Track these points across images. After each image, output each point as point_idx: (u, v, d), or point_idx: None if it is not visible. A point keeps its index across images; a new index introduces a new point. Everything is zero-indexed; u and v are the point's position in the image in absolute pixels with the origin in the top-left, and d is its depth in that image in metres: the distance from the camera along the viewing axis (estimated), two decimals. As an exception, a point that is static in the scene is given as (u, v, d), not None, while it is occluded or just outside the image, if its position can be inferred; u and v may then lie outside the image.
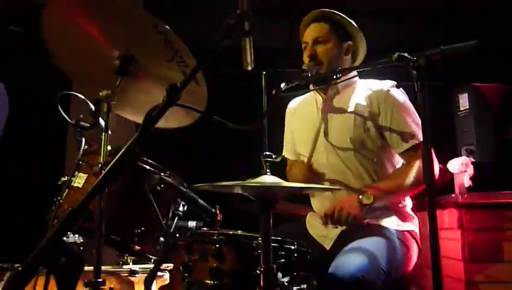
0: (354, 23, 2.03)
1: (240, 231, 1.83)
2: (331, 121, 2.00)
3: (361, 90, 2.02)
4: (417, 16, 4.38)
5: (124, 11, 1.43)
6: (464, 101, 2.88)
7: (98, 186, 0.82)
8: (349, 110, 1.97)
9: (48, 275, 1.37)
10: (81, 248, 1.85)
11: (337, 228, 1.83)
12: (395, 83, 1.97)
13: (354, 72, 2.06)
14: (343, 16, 2.02)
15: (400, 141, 1.90)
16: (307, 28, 2.05)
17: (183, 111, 1.47)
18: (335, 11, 2.01)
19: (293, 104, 2.26)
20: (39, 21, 1.47)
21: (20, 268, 0.75)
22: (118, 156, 0.83)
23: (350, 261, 1.61)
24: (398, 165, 2.02)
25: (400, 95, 1.96)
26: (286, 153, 2.26)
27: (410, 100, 1.95)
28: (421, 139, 1.82)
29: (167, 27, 1.29)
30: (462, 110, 2.88)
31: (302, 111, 2.20)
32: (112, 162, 0.82)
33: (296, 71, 1.87)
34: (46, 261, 0.70)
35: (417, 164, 1.85)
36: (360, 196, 1.78)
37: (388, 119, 1.92)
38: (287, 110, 2.27)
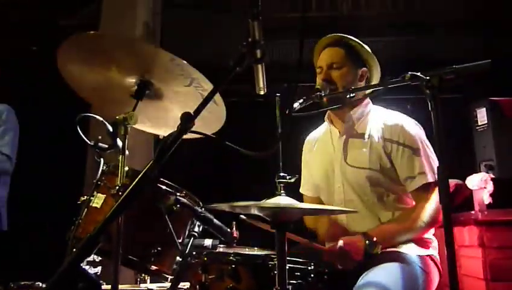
0: (368, 49, 2.02)
1: (256, 248, 1.83)
2: (348, 157, 1.97)
3: (376, 124, 1.98)
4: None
5: (139, 47, 1.48)
6: (482, 115, 2.85)
7: (116, 211, 0.84)
8: (364, 145, 1.94)
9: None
10: (100, 268, 1.87)
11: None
12: (413, 120, 1.96)
13: (368, 100, 2.05)
14: (359, 41, 2.01)
15: (409, 179, 1.86)
16: (321, 52, 2.05)
17: (205, 122, 1.47)
18: (351, 37, 2.01)
19: (309, 139, 2.24)
20: (55, 53, 1.53)
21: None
22: (135, 182, 0.85)
23: None
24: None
25: (415, 130, 1.92)
26: (303, 189, 2.22)
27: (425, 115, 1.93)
28: (432, 180, 1.81)
29: (183, 61, 1.33)
30: (481, 125, 2.85)
31: (318, 146, 2.17)
32: (129, 189, 0.85)
33: (309, 89, 1.88)
34: (64, 288, 0.72)
35: (425, 206, 1.81)
36: (367, 242, 1.73)
37: (399, 156, 1.88)
38: (304, 146, 2.25)
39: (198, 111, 0.94)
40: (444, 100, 1.41)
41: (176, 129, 0.92)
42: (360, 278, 1.68)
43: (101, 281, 2.06)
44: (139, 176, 0.86)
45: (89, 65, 1.60)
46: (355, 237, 1.80)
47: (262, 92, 1.14)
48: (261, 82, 1.10)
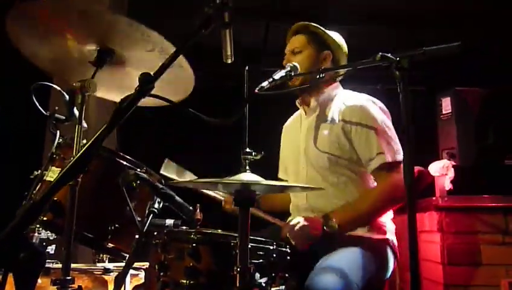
0: (330, 33, 2.08)
1: (219, 230, 1.80)
2: (310, 138, 2.02)
3: (338, 106, 2.01)
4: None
5: (92, 13, 1.39)
6: (446, 105, 2.90)
7: (63, 178, 0.77)
8: (326, 126, 1.98)
9: (5, 272, 1.32)
10: (54, 245, 1.79)
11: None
12: (373, 99, 1.99)
13: (336, 83, 2.10)
14: (320, 27, 2.08)
15: (368, 159, 1.88)
16: (289, 40, 2.13)
17: (171, 88, 1.41)
18: (312, 24, 2.08)
19: (286, 125, 2.33)
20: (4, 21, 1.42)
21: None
22: (85, 147, 0.79)
23: (323, 280, 1.59)
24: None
25: (375, 111, 1.94)
26: (280, 174, 2.32)
27: (394, 102, 1.93)
28: (390, 160, 1.84)
29: (142, 26, 1.26)
30: (445, 114, 2.90)
31: (289, 131, 2.27)
32: (79, 154, 0.78)
33: (278, 70, 1.86)
34: (3, 257, 0.66)
35: (383, 187, 1.84)
36: (325, 226, 1.77)
37: (357, 137, 1.90)
38: (282, 134, 2.32)
39: (159, 72, 0.88)
40: (411, 91, 1.40)
41: (134, 92, 0.86)
42: (318, 263, 1.70)
43: (55, 260, 1.98)
44: (91, 141, 0.79)
45: (42, 35, 1.50)
46: (314, 217, 1.85)
47: (229, 61, 1.08)
48: (229, 49, 1.04)
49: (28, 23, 1.46)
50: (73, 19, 1.40)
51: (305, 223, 1.76)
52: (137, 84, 0.86)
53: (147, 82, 0.85)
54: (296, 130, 2.17)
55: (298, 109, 2.20)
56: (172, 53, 0.90)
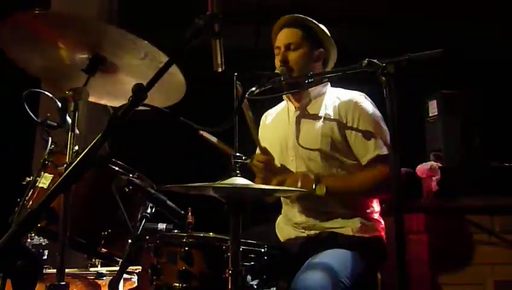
0: (326, 30, 2.05)
1: (211, 233, 1.82)
2: (301, 131, 2.02)
3: (331, 100, 2.03)
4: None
5: (84, 24, 1.40)
6: (433, 107, 2.95)
7: (59, 187, 0.79)
8: (318, 120, 1.99)
9: (3, 278, 1.32)
10: (46, 251, 1.80)
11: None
12: (364, 94, 2.01)
13: (325, 80, 2.07)
14: (316, 22, 2.03)
15: (363, 152, 1.91)
16: (279, 32, 2.05)
17: (162, 94, 1.43)
18: (308, 18, 2.02)
19: (266, 114, 2.29)
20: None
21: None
22: (81, 155, 0.81)
23: (310, 278, 1.61)
24: None
25: (368, 106, 1.97)
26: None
27: (381, 106, 1.97)
28: (385, 153, 1.86)
29: (133, 36, 1.28)
30: (431, 117, 2.95)
31: (274, 121, 2.22)
32: (75, 162, 0.80)
33: (268, 74, 1.88)
34: (1, 265, 0.68)
35: (379, 171, 1.86)
36: (314, 185, 1.84)
37: (354, 130, 1.92)
38: (261, 120, 2.28)
39: (151, 83, 0.90)
40: (398, 93, 1.44)
41: (127, 102, 0.88)
42: (306, 262, 1.71)
43: (48, 266, 1.98)
44: (86, 149, 0.82)
45: (33, 43, 1.50)
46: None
47: (220, 70, 1.11)
48: (219, 58, 1.07)
49: (20, 32, 1.47)
50: (65, 28, 1.42)
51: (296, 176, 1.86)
52: (130, 94, 0.89)
53: (139, 93, 0.88)
54: (283, 121, 2.13)
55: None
56: (164, 63, 0.93)
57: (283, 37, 2.02)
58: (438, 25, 4.16)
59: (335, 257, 1.74)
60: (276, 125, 2.20)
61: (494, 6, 3.81)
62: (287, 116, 2.13)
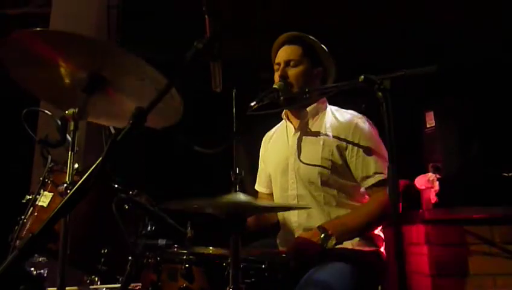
0: (325, 48, 2.06)
1: (211, 248, 1.82)
2: (301, 154, 2.01)
3: (330, 121, 2.02)
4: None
5: (85, 43, 1.42)
6: (430, 119, 2.97)
7: (62, 210, 0.80)
8: (317, 143, 1.98)
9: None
10: (46, 270, 1.79)
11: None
12: (365, 117, 2.00)
13: (324, 98, 2.09)
14: (316, 40, 2.04)
15: (364, 176, 1.90)
16: (279, 49, 2.07)
17: (157, 115, 1.43)
18: (309, 36, 2.04)
19: (267, 135, 2.30)
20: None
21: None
22: (82, 179, 0.82)
23: None
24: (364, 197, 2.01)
25: (367, 128, 1.97)
26: (258, 186, 2.30)
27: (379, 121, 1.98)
28: (385, 177, 1.83)
29: (135, 56, 1.30)
30: (429, 128, 2.97)
31: (274, 142, 2.23)
32: (76, 186, 0.81)
33: (266, 90, 1.90)
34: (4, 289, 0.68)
35: (380, 200, 1.85)
36: (322, 235, 1.75)
37: (354, 154, 1.92)
38: (262, 142, 2.30)
39: (151, 106, 0.92)
40: (396, 104, 1.45)
41: (127, 125, 0.89)
42: (304, 277, 1.69)
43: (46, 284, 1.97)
44: (87, 173, 0.82)
45: (34, 63, 1.51)
46: (310, 232, 1.82)
47: (218, 90, 1.13)
48: (218, 79, 1.08)
49: (20, 51, 1.48)
50: (66, 47, 1.43)
51: (302, 248, 1.75)
52: (128, 114, 0.90)
53: (140, 116, 0.89)
54: (282, 142, 2.14)
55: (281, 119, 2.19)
56: (164, 87, 0.94)
57: (283, 53, 2.04)
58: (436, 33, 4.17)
59: (334, 272, 1.73)
60: (276, 146, 2.20)
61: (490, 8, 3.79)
62: (286, 136, 2.13)
